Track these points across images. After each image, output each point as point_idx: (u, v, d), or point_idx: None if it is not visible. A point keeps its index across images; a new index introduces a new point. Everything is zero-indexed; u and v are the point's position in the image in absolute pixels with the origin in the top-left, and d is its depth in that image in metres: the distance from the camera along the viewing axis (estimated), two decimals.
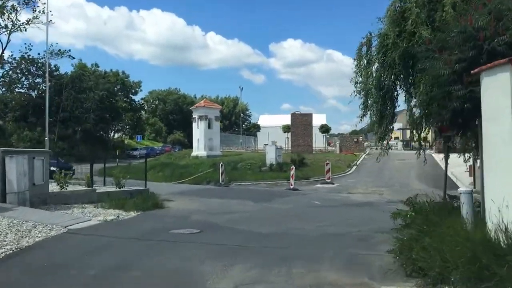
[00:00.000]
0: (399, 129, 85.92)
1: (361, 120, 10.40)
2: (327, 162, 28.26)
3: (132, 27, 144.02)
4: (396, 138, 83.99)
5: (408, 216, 8.50)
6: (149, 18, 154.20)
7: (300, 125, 44.98)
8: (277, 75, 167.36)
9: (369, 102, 10.06)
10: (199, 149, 40.64)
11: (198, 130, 40.93)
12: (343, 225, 12.22)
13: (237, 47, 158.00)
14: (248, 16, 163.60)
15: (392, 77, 9.25)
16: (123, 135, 72.96)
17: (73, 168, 26.56)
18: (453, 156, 32.58)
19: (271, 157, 31.98)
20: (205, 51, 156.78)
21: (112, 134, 67.30)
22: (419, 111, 9.83)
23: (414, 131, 10.37)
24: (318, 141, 51.76)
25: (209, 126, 41.17)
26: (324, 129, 52.42)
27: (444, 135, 10.74)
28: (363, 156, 44.43)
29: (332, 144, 58.17)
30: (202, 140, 40.30)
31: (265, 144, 42.86)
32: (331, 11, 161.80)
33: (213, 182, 28.93)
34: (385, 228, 11.33)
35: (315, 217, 13.83)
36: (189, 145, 48.66)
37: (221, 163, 29.04)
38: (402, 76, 9.05)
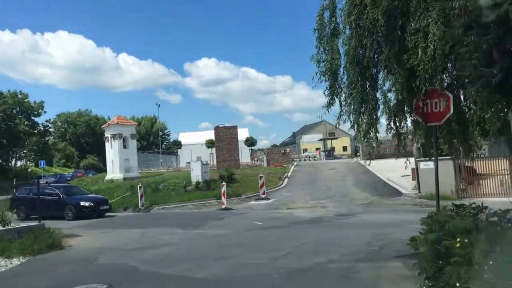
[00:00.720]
0: (320, 139, 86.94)
1: (328, 109, 7.66)
2: (261, 175, 25.52)
3: (37, 50, 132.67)
4: (318, 149, 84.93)
5: (457, 246, 5.12)
6: (54, 41, 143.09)
7: (225, 139, 42.03)
8: (194, 94, 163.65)
9: (339, 84, 7.35)
10: (114, 172, 36.13)
11: (112, 150, 36.46)
12: (305, 253, 9.32)
13: (151, 67, 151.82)
14: (160, 36, 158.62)
15: (374, 45, 6.61)
16: (28, 162, 65.32)
17: None
18: (382, 162, 31.58)
19: (197, 175, 28.60)
20: (118, 72, 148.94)
21: (13, 162, 59.75)
22: (395, 95, 7.23)
23: (392, 121, 7.84)
24: (244, 155, 49.17)
25: (124, 146, 36.85)
26: (250, 142, 49.95)
27: (429, 125, 8.30)
28: (292, 168, 42.41)
29: (256, 158, 55.94)
30: (117, 161, 35.88)
31: (188, 162, 39.30)
32: (244, 29, 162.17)
33: (132, 207, 25.01)
34: (361, 254, 8.68)
35: (264, 245, 10.81)
36: (105, 169, 43.80)
37: (140, 185, 25.23)
38: (387, 43, 6.44)
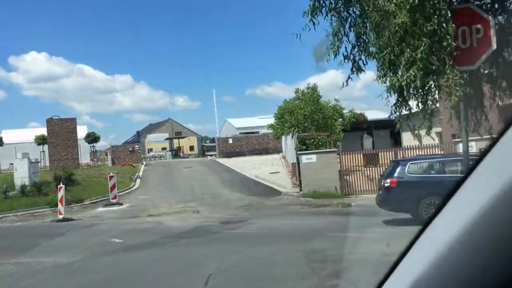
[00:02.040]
0: (167, 139, 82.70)
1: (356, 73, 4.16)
2: (112, 175, 20.53)
3: None
4: (164, 148, 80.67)
5: None
6: None
7: (60, 134, 35.10)
8: (21, 91, 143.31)
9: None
10: None
11: None
12: None
13: None
14: None
15: None
16: None
17: None
18: (240, 159, 29.18)
19: (22, 176, 22.17)
20: None
21: None
22: None
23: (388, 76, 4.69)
24: (85, 154, 42.38)
25: None
26: (92, 138, 43.23)
27: (461, 69, 5.25)
28: (142, 167, 37.54)
29: (96, 159, 48.72)
30: None
31: (12, 164, 31.59)
32: (80, 22, 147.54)
33: None
34: None
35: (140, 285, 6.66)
36: None
37: None
38: None
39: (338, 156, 19.04)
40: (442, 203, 0.90)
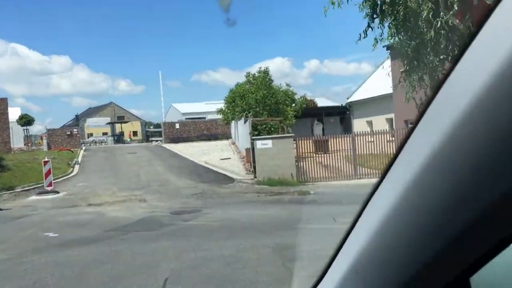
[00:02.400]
0: (109, 123, 79.30)
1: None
2: (46, 160, 18.53)
3: None
4: (105, 133, 77.66)
5: None
6: None
7: None
8: None
9: None
10: None
11: None
12: None
13: None
14: None
15: None
16: None
17: None
18: (187, 145, 27.82)
19: None
20: None
21: None
22: None
23: None
24: (17, 138, 39.22)
25: None
26: (25, 120, 39.95)
27: None
28: (82, 152, 35.12)
29: (31, 143, 45.10)
30: None
31: None
32: None
33: None
34: None
35: None
36: None
37: None
38: None
39: (295, 141, 18.23)
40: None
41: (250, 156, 18.20)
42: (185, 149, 32.65)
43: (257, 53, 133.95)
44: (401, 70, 23.16)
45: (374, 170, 17.96)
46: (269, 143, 17.41)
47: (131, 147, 40.37)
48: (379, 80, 30.18)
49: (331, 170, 18.20)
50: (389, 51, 23.82)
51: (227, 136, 40.69)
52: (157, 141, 47.03)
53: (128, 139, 61.99)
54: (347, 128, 33.63)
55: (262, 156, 17.39)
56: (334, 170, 18.21)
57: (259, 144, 17.46)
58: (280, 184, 16.40)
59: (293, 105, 31.62)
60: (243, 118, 23.68)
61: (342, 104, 39.34)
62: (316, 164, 18.28)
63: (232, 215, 10.51)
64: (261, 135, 19.51)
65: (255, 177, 17.56)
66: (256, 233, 8.07)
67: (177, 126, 44.99)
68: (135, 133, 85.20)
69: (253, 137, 17.94)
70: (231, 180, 18.26)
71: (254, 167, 17.76)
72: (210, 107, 55.89)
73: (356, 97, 31.64)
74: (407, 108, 22.58)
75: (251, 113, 22.18)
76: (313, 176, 17.84)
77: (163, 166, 24.42)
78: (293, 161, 17.41)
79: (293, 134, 18.89)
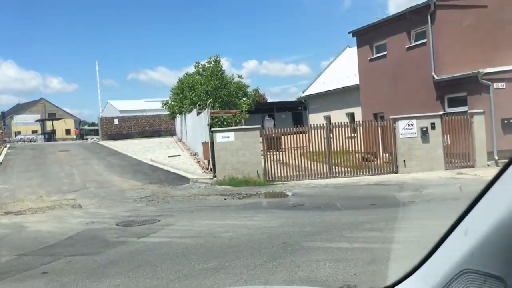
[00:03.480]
0: (38, 120, 74.02)
1: None
2: None
3: None
4: (35, 131, 73.32)
5: None
6: None
7: None
8: None
9: None
10: None
11: None
12: None
13: None
14: None
15: None
16: None
17: None
18: (128, 142, 24.57)
19: None
20: None
21: None
22: None
23: None
24: None
25: None
26: None
27: None
28: (5, 150, 30.65)
29: None
30: None
31: None
32: None
33: None
34: None
35: None
36: None
37: None
38: None
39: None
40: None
41: (209, 152, 15.49)
42: (126, 146, 29.31)
43: (196, 52, 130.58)
44: (369, 58, 21.46)
45: (347, 168, 15.96)
46: (231, 136, 14.85)
47: (64, 145, 36.19)
48: (338, 72, 28.43)
49: (294, 169, 15.90)
50: (355, 37, 21.99)
51: (171, 133, 37.66)
52: (92, 139, 42.95)
53: (72, 137, 57.73)
54: (299, 124, 31.71)
55: (223, 151, 14.81)
56: (298, 169, 15.93)
57: (219, 137, 14.86)
58: (246, 184, 13.94)
59: (245, 98, 29.31)
60: (194, 110, 20.93)
61: (297, 99, 37.51)
62: (275, 162, 15.81)
63: (205, 228, 7.81)
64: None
65: (215, 176, 14.93)
66: (258, 258, 5.49)
67: (116, 121, 41.11)
68: (68, 131, 79.28)
69: (212, 129, 15.31)
70: (185, 180, 15.48)
71: (213, 165, 15.12)
72: (150, 104, 52.30)
73: (312, 90, 29.64)
74: (376, 100, 20.92)
75: (209, 102, 19.42)
76: (279, 175, 15.47)
77: (101, 165, 21.12)
78: (259, 157, 14.99)
79: (259, 126, 16.39)
